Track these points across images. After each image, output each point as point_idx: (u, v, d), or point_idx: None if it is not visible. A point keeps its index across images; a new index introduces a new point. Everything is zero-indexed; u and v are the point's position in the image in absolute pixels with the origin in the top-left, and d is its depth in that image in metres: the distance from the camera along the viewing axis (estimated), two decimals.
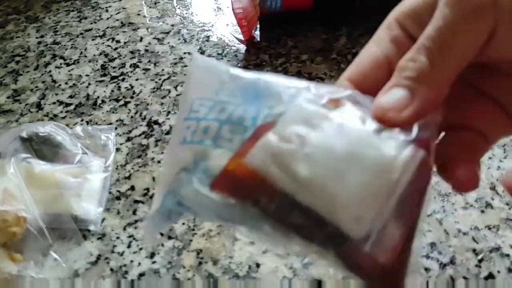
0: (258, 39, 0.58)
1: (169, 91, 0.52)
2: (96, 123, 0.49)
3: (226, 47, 0.58)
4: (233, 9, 0.59)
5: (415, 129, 0.21)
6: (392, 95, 0.21)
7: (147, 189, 0.43)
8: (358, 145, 0.21)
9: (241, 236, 0.38)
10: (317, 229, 0.20)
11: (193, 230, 0.39)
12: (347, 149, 0.21)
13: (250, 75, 0.24)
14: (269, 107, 0.23)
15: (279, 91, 0.23)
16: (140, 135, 0.48)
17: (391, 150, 0.21)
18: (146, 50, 0.58)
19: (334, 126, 0.22)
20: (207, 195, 0.21)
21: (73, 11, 0.66)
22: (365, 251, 0.20)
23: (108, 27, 0.63)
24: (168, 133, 0.47)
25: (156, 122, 0.49)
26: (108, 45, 0.59)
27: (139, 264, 0.37)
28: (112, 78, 0.55)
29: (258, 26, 0.59)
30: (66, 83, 0.54)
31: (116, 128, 0.48)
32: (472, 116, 0.24)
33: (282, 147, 0.21)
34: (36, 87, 0.54)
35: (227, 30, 0.61)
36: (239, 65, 0.54)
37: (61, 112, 0.51)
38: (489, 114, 0.24)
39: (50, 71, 0.56)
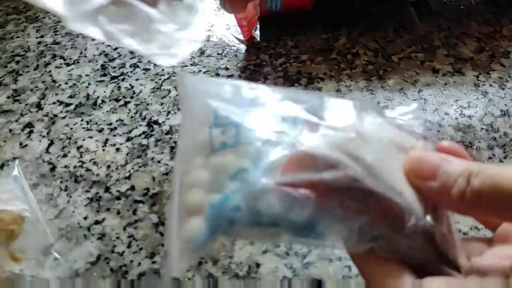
0: (258, 39, 0.58)
1: (169, 91, 0.52)
2: (96, 123, 0.49)
3: (226, 47, 0.58)
4: None
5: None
6: None
7: (147, 189, 0.43)
8: (394, 136, 0.24)
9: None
10: (383, 209, 0.22)
11: None
12: (388, 139, 0.24)
13: (255, 85, 0.25)
14: (306, 104, 0.24)
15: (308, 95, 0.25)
16: (140, 135, 0.48)
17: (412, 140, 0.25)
18: None
19: (372, 122, 0.24)
20: (277, 188, 0.21)
21: None
22: (427, 225, 0.22)
23: None
24: (168, 133, 0.47)
25: (156, 122, 0.49)
26: (108, 45, 0.59)
27: (139, 264, 0.37)
28: (112, 78, 0.55)
29: (258, 26, 0.59)
30: (66, 83, 0.54)
31: (116, 128, 0.48)
32: None
33: (345, 136, 0.23)
34: (36, 87, 0.54)
35: (227, 30, 0.61)
36: (239, 65, 0.54)
37: (61, 112, 0.51)
38: None
39: (50, 71, 0.56)
